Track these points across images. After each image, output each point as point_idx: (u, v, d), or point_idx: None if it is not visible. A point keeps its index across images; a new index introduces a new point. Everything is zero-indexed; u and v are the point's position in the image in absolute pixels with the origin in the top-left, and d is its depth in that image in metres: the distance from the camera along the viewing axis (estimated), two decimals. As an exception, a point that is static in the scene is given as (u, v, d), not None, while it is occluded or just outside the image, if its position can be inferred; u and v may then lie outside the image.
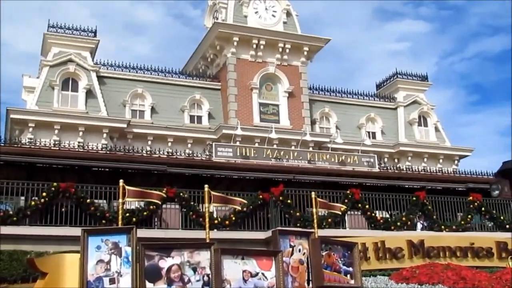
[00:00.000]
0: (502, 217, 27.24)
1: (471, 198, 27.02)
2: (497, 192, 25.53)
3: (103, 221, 21.42)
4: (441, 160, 44.95)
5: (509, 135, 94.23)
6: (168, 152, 33.30)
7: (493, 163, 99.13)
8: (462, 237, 24.88)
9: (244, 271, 14.63)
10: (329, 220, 23.45)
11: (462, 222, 26.42)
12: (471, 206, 26.78)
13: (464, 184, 32.32)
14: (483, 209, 27.00)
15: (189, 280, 13.82)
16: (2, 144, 27.10)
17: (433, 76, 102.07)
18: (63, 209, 22.14)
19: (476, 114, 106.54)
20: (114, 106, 38.35)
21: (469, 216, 26.59)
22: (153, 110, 39.36)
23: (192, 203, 22.43)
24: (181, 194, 22.58)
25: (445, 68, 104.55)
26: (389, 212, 27.06)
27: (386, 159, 43.30)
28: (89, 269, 13.26)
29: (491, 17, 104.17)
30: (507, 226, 26.99)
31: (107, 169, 26.26)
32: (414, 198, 25.65)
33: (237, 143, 36.84)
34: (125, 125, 36.84)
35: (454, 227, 25.92)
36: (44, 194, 21.83)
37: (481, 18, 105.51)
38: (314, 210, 19.62)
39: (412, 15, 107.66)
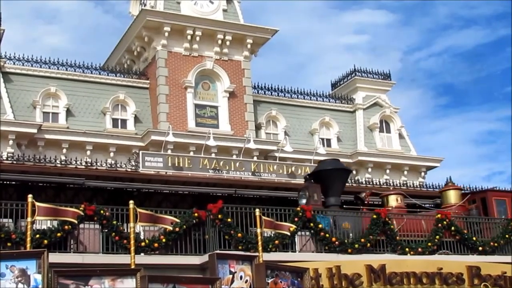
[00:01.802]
0: (474, 238, 27.69)
1: (439, 216, 27.42)
2: (304, 200, 26.08)
3: (8, 244, 21.19)
4: (405, 172, 45.62)
5: (484, 144, 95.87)
6: (86, 162, 33.10)
7: (466, 175, 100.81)
8: (429, 262, 25.18)
9: (175, 302, 14.70)
10: (276, 242, 23.58)
11: (429, 244, 26.77)
12: (440, 225, 27.17)
13: (432, 199, 32.84)
14: (452, 228, 27.42)
15: (110, 314, 13.84)
16: None
17: (396, 75, 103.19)
18: None
19: (445, 119, 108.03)
20: (22, 107, 37.95)
21: (437, 237, 26.95)
22: (68, 112, 39.07)
23: (114, 222, 22.34)
24: (102, 211, 22.46)
25: (410, 66, 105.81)
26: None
27: (342, 171, 43.72)
28: (-9, 301, 13.18)
29: (462, 8, 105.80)
30: (480, 249, 27.44)
31: (13, 182, 25.96)
32: (374, 216, 25.94)
33: (169, 152, 36.80)
34: (35, 130, 36.46)
35: (419, 249, 26.27)
36: None
37: (451, 8, 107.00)
38: (258, 230, 19.79)
39: (372, 4, 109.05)
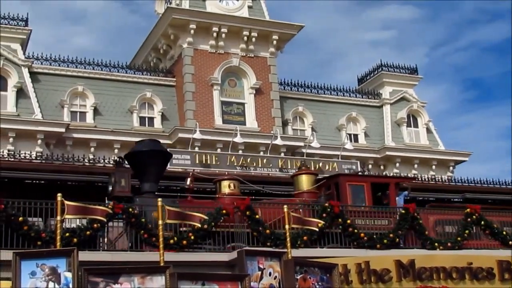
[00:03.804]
0: (504, 232, 27.46)
1: (468, 210, 27.23)
2: (110, 187, 23.20)
3: (38, 243, 21.30)
4: (433, 167, 45.38)
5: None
6: (114, 161, 33.20)
7: (494, 170, 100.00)
8: (458, 256, 25.01)
9: (205, 299, 14.74)
10: (305, 238, 23.53)
11: (459, 239, 26.60)
12: (469, 219, 26.99)
13: (460, 194, 32.59)
14: (482, 222, 27.21)
15: (140, 311, 13.89)
16: None
17: (423, 69, 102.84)
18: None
19: (473, 113, 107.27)
20: (50, 107, 38.20)
21: (467, 232, 26.77)
22: (96, 111, 39.28)
23: (142, 219, 22.41)
24: (130, 209, 22.55)
25: (436, 60, 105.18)
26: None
27: (370, 166, 43.67)
28: (22, 299, 13.26)
29: (488, 2, 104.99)
30: (511, 243, 27.21)
31: (42, 182, 26.09)
32: (403, 211, 25.82)
33: (196, 149, 36.88)
34: (63, 130, 36.69)
35: (449, 244, 26.10)
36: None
37: (477, 2, 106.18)
38: (286, 226, 19.76)
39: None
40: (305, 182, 27.02)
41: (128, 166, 24.34)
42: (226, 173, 31.15)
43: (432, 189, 33.87)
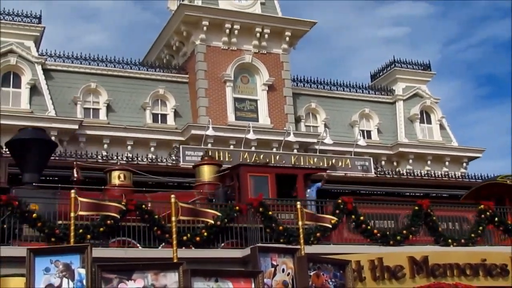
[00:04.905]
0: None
1: (482, 206, 27.16)
2: None
3: (52, 239, 21.36)
4: (447, 163, 45.26)
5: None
6: (127, 157, 33.27)
7: (507, 166, 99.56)
8: (472, 253, 24.95)
9: (218, 296, 14.75)
10: (318, 234, 23.51)
11: (472, 235, 26.53)
12: (483, 216, 26.92)
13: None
14: (496, 219, 27.14)
15: (154, 307, 13.92)
16: None
17: (436, 66, 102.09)
18: (4, 226, 21.96)
19: (486, 110, 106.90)
20: (64, 104, 38.29)
21: (480, 228, 26.71)
22: (109, 108, 39.34)
23: (156, 216, 22.44)
24: (143, 206, 22.59)
25: (449, 57, 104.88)
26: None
27: (383, 162, 43.60)
28: (36, 295, 13.30)
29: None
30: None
31: (55, 178, 26.15)
32: (416, 208, 25.75)
33: (209, 146, 36.90)
34: (76, 126, 36.78)
35: (463, 240, 26.04)
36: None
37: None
38: (299, 223, 19.76)
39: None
40: (206, 172, 25.82)
41: (9, 154, 23.13)
42: (118, 163, 29.91)
43: (348, 182, 33.67)
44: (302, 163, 36.87)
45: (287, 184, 25.45)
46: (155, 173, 28.27)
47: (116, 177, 24.02)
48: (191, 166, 28.05)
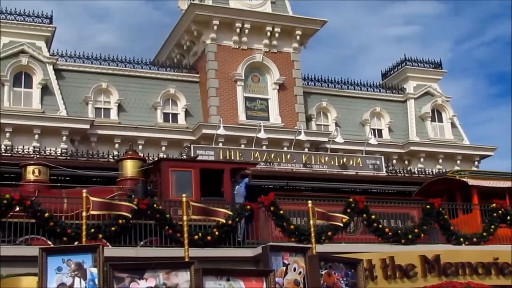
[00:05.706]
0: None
1: (494, 205, 27.09)
2: None
3: (64, 239, 21.43)
4: (458, 161, 45.18)
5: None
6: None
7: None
8: (484, 252, 24.87)
9: (229, 294, 14.77)
10: (329, 233, 23.49)
11: (485, 234, 26.45)
12: (495, 214, 26.85)
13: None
14: (508, 217, 27.05)
15: (166, 306, 13.95)
16: None
17: (447, 64, 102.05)
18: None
19: (498, 108, 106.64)
20: (75, 104, 38.39)
21: (493, 227, 26.63)
22: (120, 108, 39.42)
23: (167, 215, 22.47)
24: (155, 205, 22.62)
25: (461, 55, 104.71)
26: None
27: (394, 161, 43.55)
28: (48, 294, 13.35)
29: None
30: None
31: (67, 178, 26.23)
32: (428, 207, 25.70)
33: (220, 145, 36.96)
34: (88, 126, 36.87)
35: (475, 239, 25.97)
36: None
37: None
38: (311, 221, 19.75)
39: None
40: (129, 168, 24.73)
41: None
42: (35, 157, 28.74)
43: (279, 177, 33.28)
44: (313, 162, 36.87)
45: (213, 180, 24.42)
46: (74, 167, 27.04)
47: (31, 172, 23.00)
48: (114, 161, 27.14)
